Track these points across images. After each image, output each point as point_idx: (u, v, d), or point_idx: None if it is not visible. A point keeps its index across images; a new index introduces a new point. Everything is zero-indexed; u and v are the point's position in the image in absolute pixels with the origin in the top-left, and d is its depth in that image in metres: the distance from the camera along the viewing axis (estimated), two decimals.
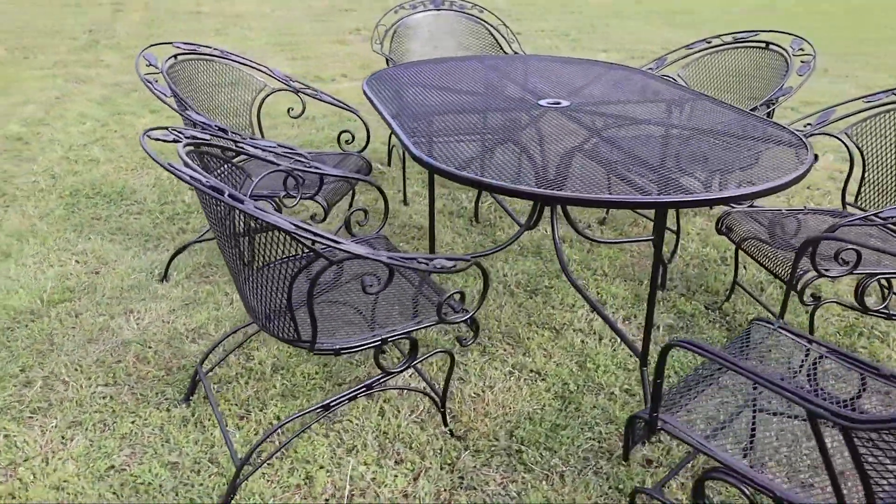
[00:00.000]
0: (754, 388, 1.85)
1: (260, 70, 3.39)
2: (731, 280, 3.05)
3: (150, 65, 2.96)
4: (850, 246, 2.22)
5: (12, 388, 2.46)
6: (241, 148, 2.38)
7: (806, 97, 6.17)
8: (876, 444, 1.27)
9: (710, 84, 3.69)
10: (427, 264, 1.89)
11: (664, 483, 1.90)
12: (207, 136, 2.24)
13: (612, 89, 3.02)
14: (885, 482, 1.31)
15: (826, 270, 2.39)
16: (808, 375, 1.93)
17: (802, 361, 1.95)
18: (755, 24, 10.00)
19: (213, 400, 2.28)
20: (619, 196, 1.99)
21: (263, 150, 2.48)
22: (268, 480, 2.09)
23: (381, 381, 2.09)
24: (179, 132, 2.12)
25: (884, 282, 2.47)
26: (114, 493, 2.03)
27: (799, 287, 2.36)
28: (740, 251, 2.89)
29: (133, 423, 2.30)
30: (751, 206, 2.99)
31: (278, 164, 2.43)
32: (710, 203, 2.02)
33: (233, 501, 2.01)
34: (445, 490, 2.07)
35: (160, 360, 2.62)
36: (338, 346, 1.97)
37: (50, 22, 9.28)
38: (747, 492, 1.48)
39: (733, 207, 2.92)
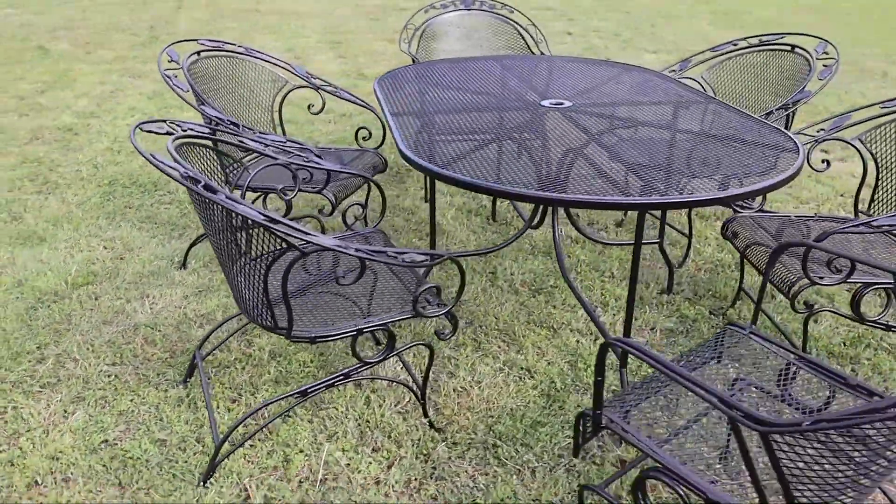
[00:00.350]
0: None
1: (282, 67, 3.49)
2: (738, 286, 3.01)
3: (172, 60, 3.09)
4: (834, 254, 2.18)
5: (27, 364, 2.61)
6: (242, 142, 2.48)
7: (860, 102, 5.98)
8: (793, 448, 1.27)
9: (735, 87, 3.63)
10: (397, 258, 1.95)
11: (612, 481, 1.91)
12: (207, 131, 2.34)
13: (622, 91, 3.02)
14: (803, 487, 1.30)
15: (820, 278, 2.35)
16: (780, 382, 1.92)
17: (776, 368, 1.93)
18: (812, 25, 9.71)
19: (204, 383, 2.39)
20: (598, 197, 2.00)
21: (264, 145, 2.57)
22: (248, 461, 2.17)
23: (359, 370, 2.15)
24: (178, 125, 2.23)
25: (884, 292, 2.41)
26: (103, 466, 2.15)
27: (791, 294, 2.33)
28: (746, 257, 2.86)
29: (132, 401, 2.43)
30: (758, 211, 2.94)
31: (276, 159, 2.51)
32: (686, 206, 2.01)
33: (212, 479, 2.10)
34: (416, 479, 2.12)
35: (167, 343, 2.75)
36: (313, 335, 2.04)
37: (115, 18, 9.67)
38: (681, 492, 1.49)
39: (738, 212, 2.89)
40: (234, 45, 3.46)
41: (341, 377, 2.17)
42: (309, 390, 2.14)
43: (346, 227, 2.68)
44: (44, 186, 4.19)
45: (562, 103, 2.81)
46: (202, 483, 2.09)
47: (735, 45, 3.72)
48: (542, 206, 2.86)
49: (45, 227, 3.67)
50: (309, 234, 1.81)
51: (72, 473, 2.12)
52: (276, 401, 2.12)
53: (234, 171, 3.14)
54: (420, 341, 2.24)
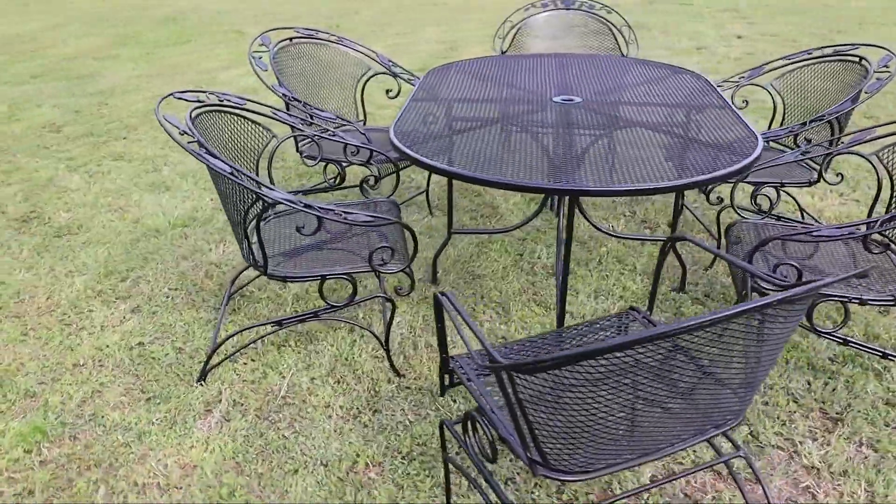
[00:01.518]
0: None
1: (367, 55, 3.95)
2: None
3: (263, 44, 3.65)
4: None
5: (113, 280, 3.29)
6: (276, 115, 2.96)
7: None
8: (530, 385, 1.50)
9: (801, 96, 3.58)
10: (342, 215, 2.32)
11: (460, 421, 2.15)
12: (240, 101, 2.84)
13: (649, 93, 3.15)
14: (541, 427, 1.53)
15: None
16: None
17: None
18: None
19: (223, 309, 2.91)
20: (533, 182, 2.25)
21: (300, 120, 3.04)
22: (235, 373, 2.66)
23: (326, 311, 2.56)
24: (216, 95, 2.75)
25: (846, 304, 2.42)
26: (131, 360, 2.74)
27: (740, 296, 2.42)
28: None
29: (173, 316, 3.01)
30: (764, 217, 2.97)
31: (303, 131, 2.97)
32: (609, 194, 2.20)
33: (203, 381, 2.61)
34: (357, 408, 2.50)
35: (221, 278, 3.32)
36: (283, 274, 2.48)
37: (306, 7, 10.73)
38: (487, 430, 1.75)
39: (745, 219, 2.94)
40: (328, 33, 3.97)
41: (311, 315, 2.59)
42: (284, 321, 2.59)
43: (361, 195, 3.08)
44: None
45: (572, 100, 3.02)
46: (195, 383, 2.61)
47: (809, 53, 3.65)
48: (548, 196, 3.08)
49: (173, 179, 4.43)
50: (264, 185, 2.24)
51: (106, 362, 2.73)
52: (255, 326, 2.59)
53: (307, 143, 3.64)
54: (382, 294, 2.60)
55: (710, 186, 3.20)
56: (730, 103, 2.99)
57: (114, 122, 5.57)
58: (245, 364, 2.71)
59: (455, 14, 10.25)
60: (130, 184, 4.39)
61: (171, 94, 2.56)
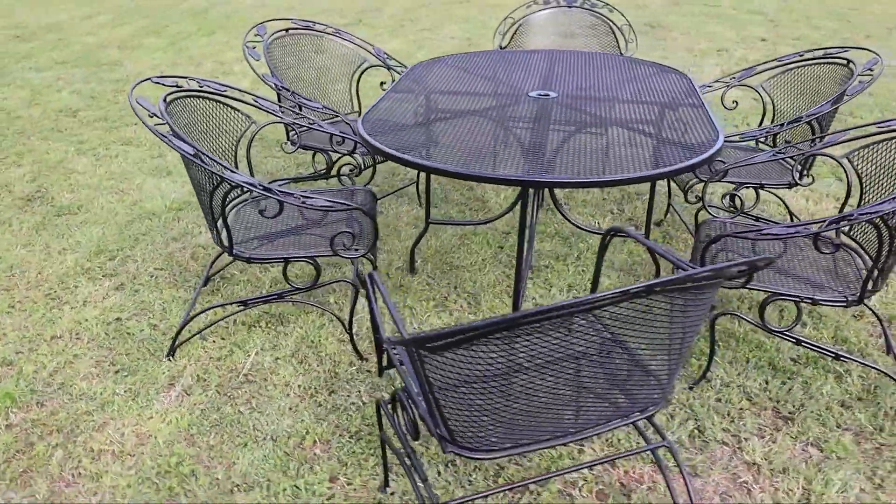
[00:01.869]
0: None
1: (363, 48, 4.02)
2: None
3: (258, 35, 3.74)
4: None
5: (102, 258, 3.41)
6: (257, 102, 3.04)
7: None
8: (434, 360, 1.56)
9: (790, 98, 3.57)
10: (300, 199, 2.39)
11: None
12: (220, 87, 2.93)
13: (628, 90, 3.17)
14: (443, 397, 1.58)
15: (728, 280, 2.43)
16: None
17: None
18: None
19: (198, 288, 3.00)
20: (497, 174, 2.29)
21: (285, 109, 3.11)
22: (203, 350, 2.75)
23: (291, 293, 2.64)
24: (196, 82, 2.84)
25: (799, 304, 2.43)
26: (106, 334, 2.84)
27: None
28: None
29: (153, 295, 3.11)
30: (735, 216, 2.98)
31: (282, 118, 3.05)
32: (557, 185, 2.24)
33: (172, 357, 2.70)
34: (314, 388, 2.57)
35: (206, 260, 3.41)
36: (247, 255, 2.56)
37: (327, 3, 10.85)
38: (410, 408, 1.80)
39: (715, 217, 2.95)
40: (325, 25, 4.05)
41: (275, 296, 2.67)
42: (248, 301, 2.67)
43: (340, 183, 3.16)
44: None
45: (548, 94, 3.05)
46: (164, 358, 2.70)
47: (801, 55, 3.64)
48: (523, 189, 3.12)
49: (175, 165, 4.55)
50: (229, 170, 2.32)
51: (83, 335, 2.83)
52: (222, 304, 2.68)
53: (297, 132, 3.72)
54: (345, 279, 2.66)
55: (687, 185, 3.21)
56: (704, 103, 3.00)
57: (127, 108, 5.72)
58: (214, 342, 2.80)
59: (479, 11, 10.28)
60: (135, 168, 4.52)
61: (149, 79, 2.65)
